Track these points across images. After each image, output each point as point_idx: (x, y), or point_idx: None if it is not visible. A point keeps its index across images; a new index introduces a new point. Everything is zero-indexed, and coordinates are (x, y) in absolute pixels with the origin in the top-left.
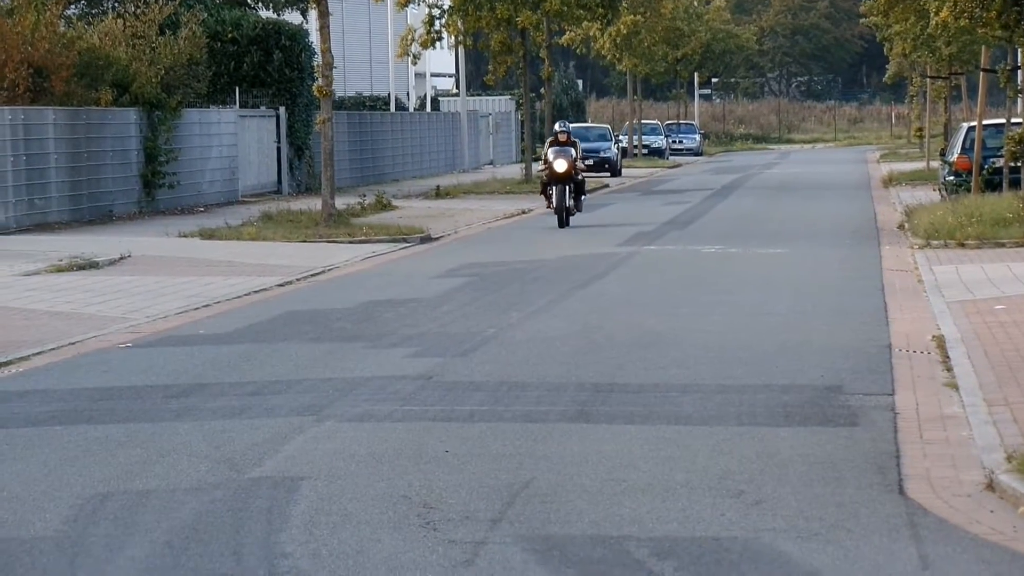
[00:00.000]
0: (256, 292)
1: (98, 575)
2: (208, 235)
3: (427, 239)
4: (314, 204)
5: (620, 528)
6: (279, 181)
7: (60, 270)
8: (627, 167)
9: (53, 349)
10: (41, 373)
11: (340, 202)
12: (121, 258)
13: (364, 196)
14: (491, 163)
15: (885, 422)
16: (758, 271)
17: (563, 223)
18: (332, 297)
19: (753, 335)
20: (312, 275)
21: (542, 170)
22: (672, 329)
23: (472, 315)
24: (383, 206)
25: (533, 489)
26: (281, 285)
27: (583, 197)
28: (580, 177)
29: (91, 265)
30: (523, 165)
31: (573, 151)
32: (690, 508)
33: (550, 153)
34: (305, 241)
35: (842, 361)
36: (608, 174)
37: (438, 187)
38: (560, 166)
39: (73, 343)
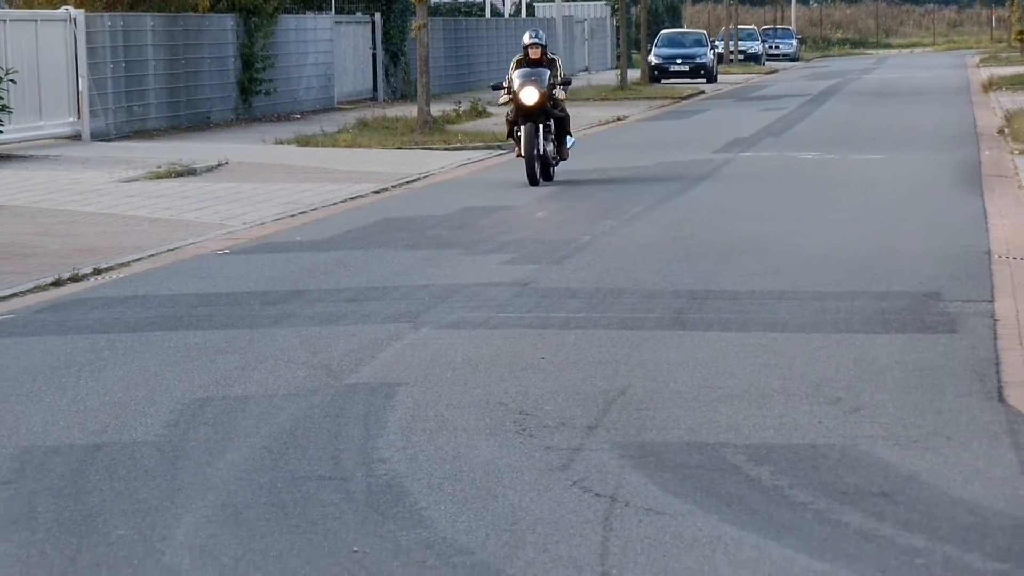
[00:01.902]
0: (352, 199)
1: (199, 479)
2: (304, 142)
3: None
4: (409, 111)
5: (716, 435)
6: (374, 88)
7: (159, 177)
8: (723, 73)
9: (152, 255)
10: (141, 279)
11: (435, 109)
12: (219, 165)
13: (459, 103)
14: (586, 70)
15: (984, 329)
16: (855, 177)
17: (536, 179)
18: (427, 204)
19: (850, 241)
20: (407, 182)
21: (505, 102)
22: (768, 236)
23: (567, 222)
24: (478, 113)
25: (629, 396)
26: (377, 192)
27: (569, 140)
28: (561, 110)
29: (189, 172)
30: (618, 72)
31: (548, 73)
32: (787, 415)
33: (515, 77)
34: (400, 148)
35: (940, 267)
36: (704, 80)
37: None
38: (528, 96)
39: (172, 249)
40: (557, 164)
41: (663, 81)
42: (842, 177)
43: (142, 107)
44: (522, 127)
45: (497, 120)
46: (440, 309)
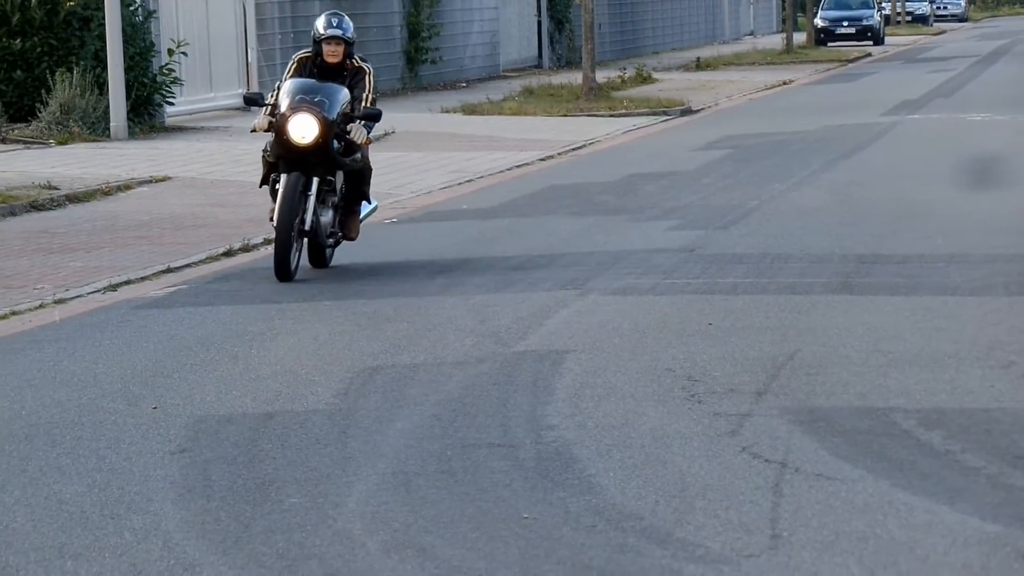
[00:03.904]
0: (518, 167)
1: (369, 447)
2: (470, 110)
3: (687, 111)
4: (574, 78)
5: (887, 400)
6: (539, 55)
7: None
8: (890, 35)
9: None
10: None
11: (600, 75)
12: (385, 134)
13: (624, 69)
14: (751, 33)
15: None
16: None
17: (288, 270)
18: (593, 171)
19: (1022, 204)
20: (573, 149)
21: (263, 129)
22: (937, 199)
23: (733, 187)
24: (643, 79)
25: (797, 361)
26: (543, 159)
27: (365, 206)
28: (358, 158)
29: None
30: (784, 35)
31: (344, 94)
32: (958, 379)
33: (286, 92)
34: (566, 115)
35: None
36: (871, 43)
37: (698, 59)
38: (301, 128)
39: None
40: (337, 245)
41: (829, 44)
42: (1014, 139)
43: None
44: (282, 177)
45: (664, 86)
46: (607, 276)
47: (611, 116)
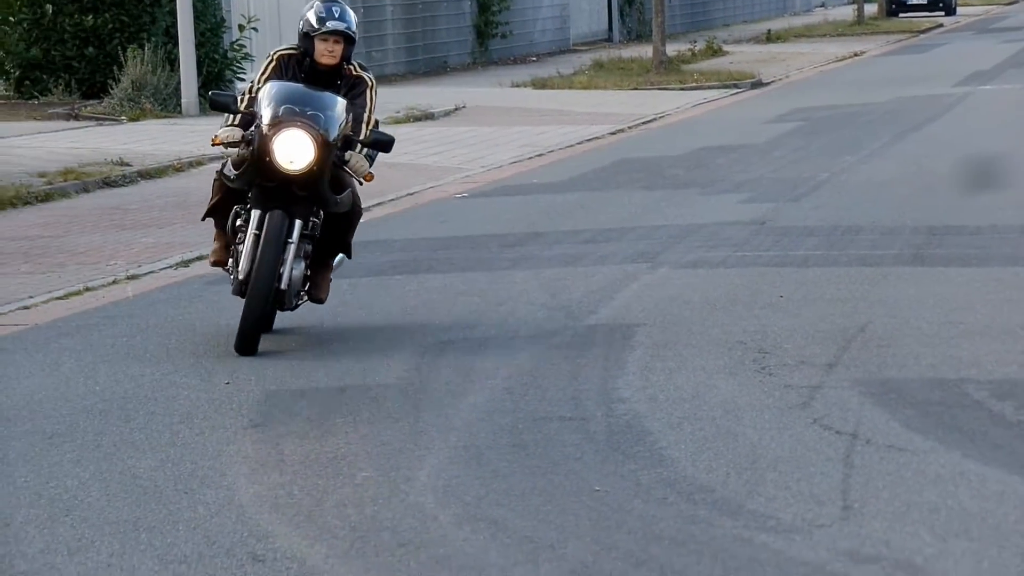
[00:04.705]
0: (588, 140)
1: (441, 420)
2: (540, 84)
3: (758, 84)
4: (644, 51)
5: (958, 371)
6: (609, 28)
7: (397, 122)
8: (962, 5)
9: (392, 200)
10: (381, 224)
11: (670, 49)
12: (456, 109)
13: (694, 42)
14: (822, 5)
15: None
16: None
17: (253, 343)
18: (663, 144)
19: None
20: (643, 123)
21: (231, 141)
22: (1009, 170)
23: (804, 159)
24: (713, 52)
25: (868, 333)
26: (613, 133)
27: (333, 263)
28: (350, 194)
29: (427, 116)
30: (855, 6)
31: (344, 108)
32: None
33: (268, 97)
34: (636, 88)
35: None
36: (943, 13)
37: (768, 31)
38: (294, 151)
39: (411, 194)
40: (295, 308)
41: (901, 15)
42: None
43: (380, 52)
44: (253, 213)
45: (734, 58)
46: (677, 249)
47: (681, 89)
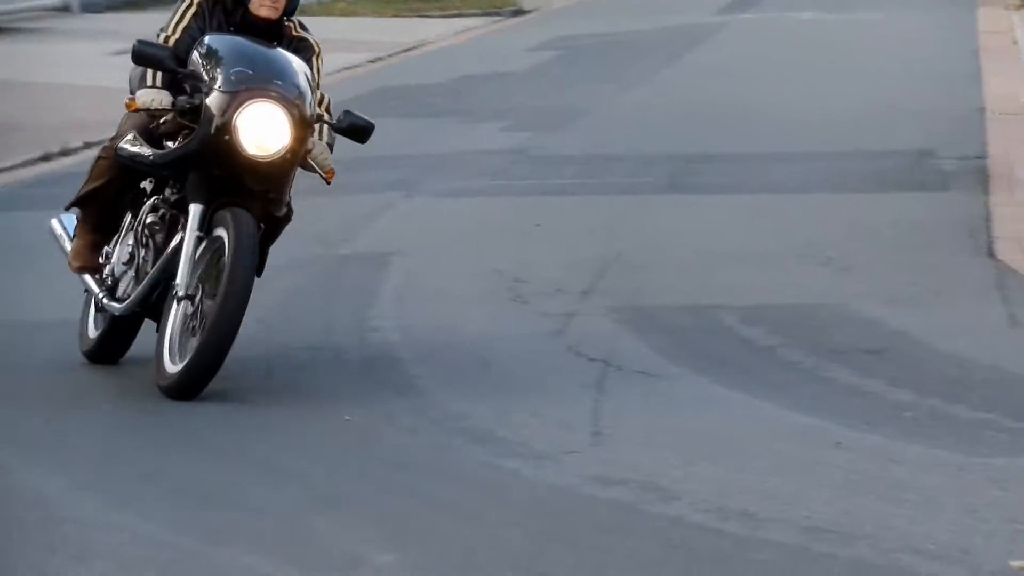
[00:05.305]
0: (346, 69)
1: None
2: (299, 12)
3: (519, 12)
4: None
5: (711, 298)
6: None
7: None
8: None
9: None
10: None
11: None
12: None
13: None
14: None
15: (977, 185)
16: (852, 37)
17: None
18: (424, 72)
19: (847, 101)
20: (404, 51)
21: (155, 107)
22: (766, 98)
23: (565, 88)
24: None
25: (624, 261)
26: (372, 61)
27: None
28: (288, 203)
29: None
30: None
31: (307, 74)
32: (779, 276)
33: (213, 59)
34: (396, 16)
35: (935, 125)
36: None
37: None
38: (263, 131)
39: None
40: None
41: None
42: (839, 37)
43: None
44: (193, 208)
45: None
46: (435, 177)
47: (443, 17)
